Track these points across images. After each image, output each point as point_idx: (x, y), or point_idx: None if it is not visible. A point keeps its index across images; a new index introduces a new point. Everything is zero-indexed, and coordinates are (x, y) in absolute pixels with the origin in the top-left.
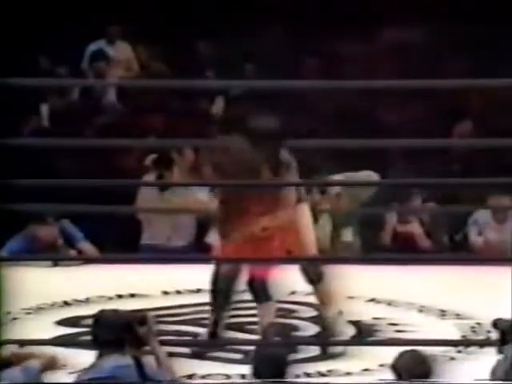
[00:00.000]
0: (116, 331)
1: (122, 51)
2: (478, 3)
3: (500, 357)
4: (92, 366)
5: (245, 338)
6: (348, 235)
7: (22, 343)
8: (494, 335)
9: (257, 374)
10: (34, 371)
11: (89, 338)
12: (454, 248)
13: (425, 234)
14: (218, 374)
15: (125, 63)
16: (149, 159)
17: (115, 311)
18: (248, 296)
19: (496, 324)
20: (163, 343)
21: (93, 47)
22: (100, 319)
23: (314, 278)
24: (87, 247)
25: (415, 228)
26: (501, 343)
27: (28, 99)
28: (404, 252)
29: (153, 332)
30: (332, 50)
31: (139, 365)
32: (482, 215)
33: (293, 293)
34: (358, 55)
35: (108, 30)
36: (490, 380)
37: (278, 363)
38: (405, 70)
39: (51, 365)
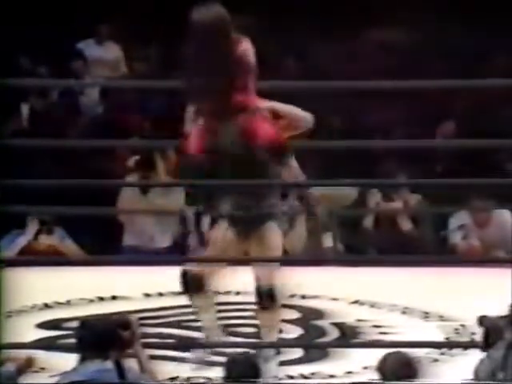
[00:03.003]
0: (100, 335)
1: (110, 51)
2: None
3: (483, 356)
4: (74, 370)
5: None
6: (328, 241)
7: (17, 347)
8: (478, 337)
9: (229, 377)
10: (10, 374)
11: (70, 340)
12: (438, 247)
13: (408, 217)
14: (200, 377)
15: (112, 63)
16: (131, 160)
17: (99, 316)
18: (232, 298)
19: (481, 321)
20: (145, 346)
21: (81, 46)
22: (84, 323)
23: (267, 304)
24: (71, 247)
25: (398, 206)
26: (484, 340)
27: (11, 99)
28: (386, 251)
29: (137, 336)
30: (316, 50)
31: (121, 369)
32: (465, 219)
33: None
34: (344, 56)
35: (97, 30)
36: (473, 381)
37: (250, 366)
38: (389, 71)
39: (27, 366)
